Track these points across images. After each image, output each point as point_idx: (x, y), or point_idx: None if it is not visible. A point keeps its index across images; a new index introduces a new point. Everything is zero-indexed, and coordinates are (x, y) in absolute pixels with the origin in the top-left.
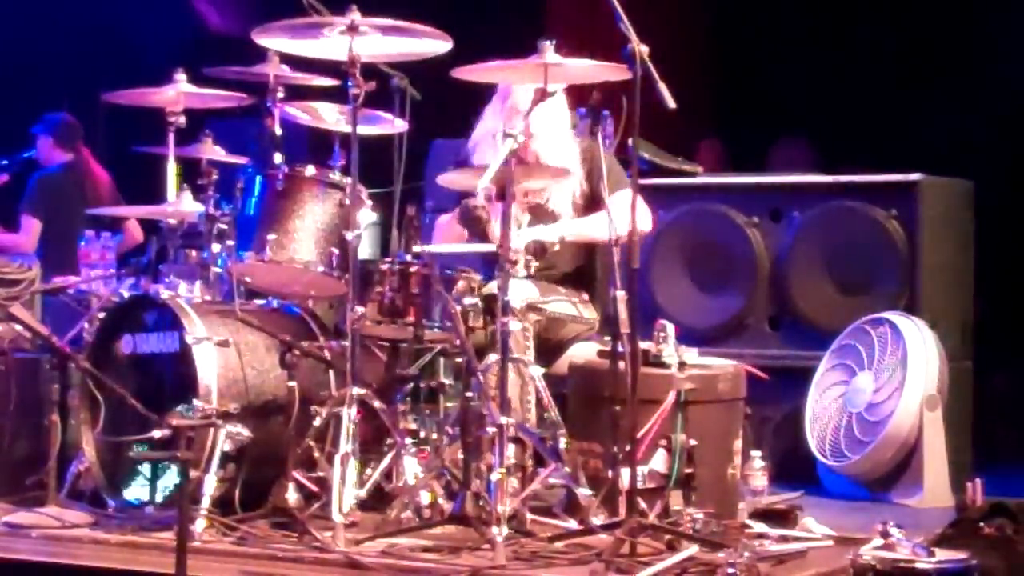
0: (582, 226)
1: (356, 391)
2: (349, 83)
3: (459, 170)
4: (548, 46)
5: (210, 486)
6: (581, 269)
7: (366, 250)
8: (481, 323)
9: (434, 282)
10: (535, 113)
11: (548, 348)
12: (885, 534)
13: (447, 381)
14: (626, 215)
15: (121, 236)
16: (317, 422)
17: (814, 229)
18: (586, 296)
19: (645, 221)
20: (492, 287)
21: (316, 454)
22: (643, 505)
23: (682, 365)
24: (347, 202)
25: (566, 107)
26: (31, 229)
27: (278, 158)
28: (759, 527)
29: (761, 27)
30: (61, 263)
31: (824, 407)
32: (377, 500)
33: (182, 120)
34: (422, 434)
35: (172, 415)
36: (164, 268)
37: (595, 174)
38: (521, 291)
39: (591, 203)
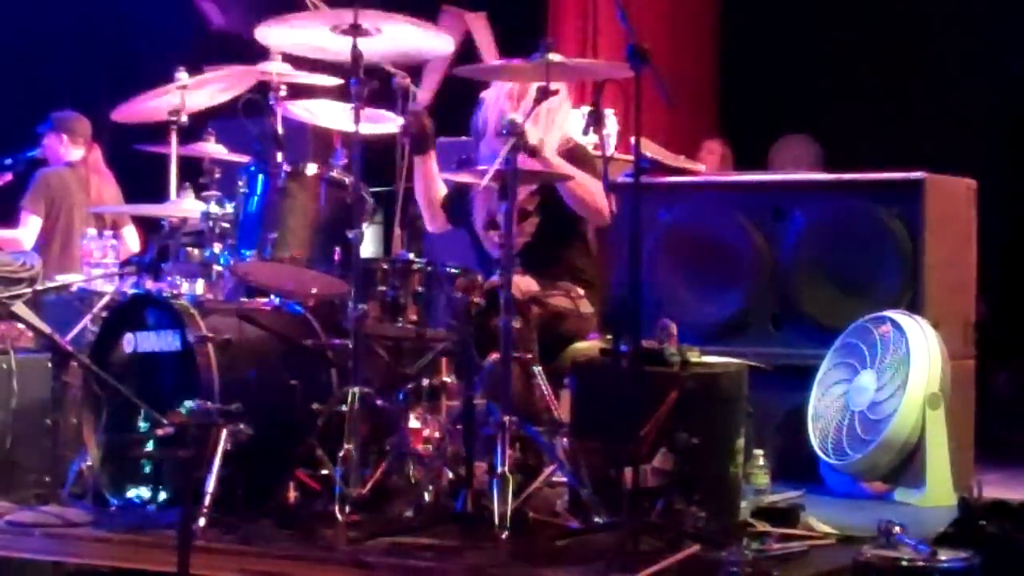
0: (567, 168)
1: (358, 390)
2: (352, 81)
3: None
4: (550, 44)
5: (212, 485)
6: (579, 265)
7: (368, 249)
8: (484, 320)
9: (436, 280)
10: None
11: (547, 344)
12: (887, 533)
13: (449, 379)
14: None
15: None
16: (319, 421)
17: (816, 227)
18: (581, 291)
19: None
20: (494, 281)
21: (318, 453)
22: (645, 504)
23: (684, 363)
24: (349, 200)
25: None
26: (30, 225)
27: (280, 157)
28: (761, 526)
29: (764, 25)
30: (64, 262)
31: (826, 406)
32: (379, 499)
33: (184, 119)
34: (424, 432)
35: (174, 414)
36: (166, 267)
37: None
38: (523, 285)
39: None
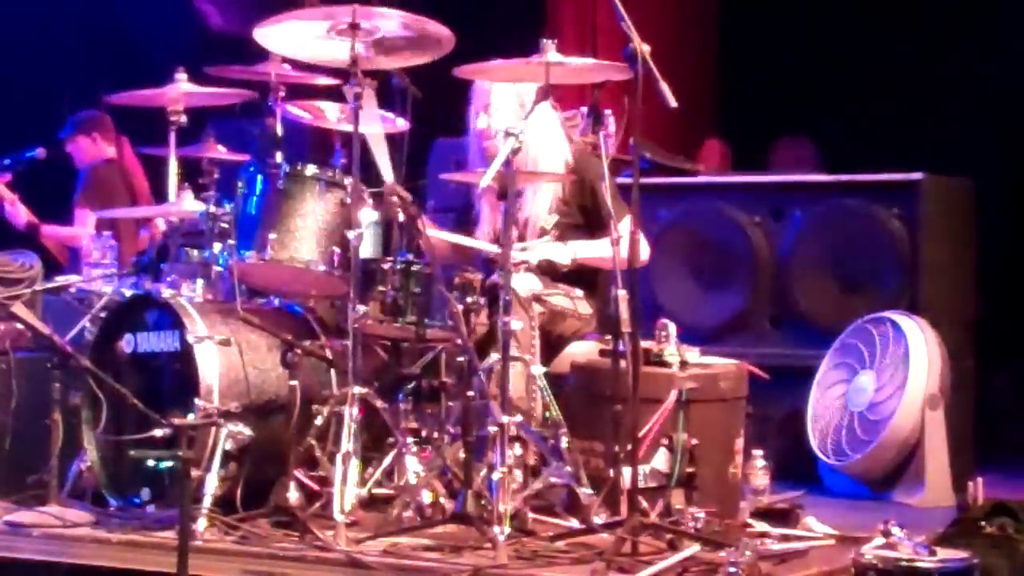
0: (593, 249)
1: (357, 390)
2: (351, 82)
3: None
4: (550, 45)
5: (211, 485)
6: (578, 266)
7: (368, 249)
8: (484, 319)
9: (436, 280)
10: (533, 114)
11: (547, 344)
12: (887, 533)
13: (449, 379)
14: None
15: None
16: (319, 421)
17: (816, 228)
18: (580, 292)
19: (644, 252)
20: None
21: (317, 453)
22: (644, 504)
23: (684, 364)
24: (348, 201)
25: (553, 109)
26: (87, 221)
27: (279, 157)
28: (761, 526)
29: (764, 25)
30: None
31: (825, 406)
32: (379, 499)
33: (184, 119)
34: (423, 433)
35: (174, 414)
36: (165, 267)
37: (589, 187)
38: (525, 283)
39: (582, 215)
